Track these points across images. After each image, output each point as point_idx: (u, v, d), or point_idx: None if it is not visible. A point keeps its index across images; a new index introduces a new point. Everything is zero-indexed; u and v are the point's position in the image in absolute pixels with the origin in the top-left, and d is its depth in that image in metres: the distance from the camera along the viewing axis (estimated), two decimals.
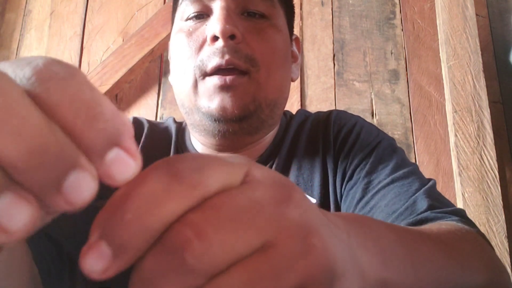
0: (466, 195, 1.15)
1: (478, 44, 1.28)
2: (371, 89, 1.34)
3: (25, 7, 1.48)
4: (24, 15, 1.47)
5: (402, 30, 1.40)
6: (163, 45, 1.36)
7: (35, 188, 0.16)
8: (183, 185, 0.18)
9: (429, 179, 0.56)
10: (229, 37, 0.53)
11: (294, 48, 0.67)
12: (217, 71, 0.54)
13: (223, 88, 0.53)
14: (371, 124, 0.65)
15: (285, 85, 0.61)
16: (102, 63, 1.34)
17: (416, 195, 0.51)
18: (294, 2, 0.68)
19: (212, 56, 0.54)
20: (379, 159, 0.57)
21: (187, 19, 0.58)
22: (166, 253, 0.17)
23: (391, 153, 0.59)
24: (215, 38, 0.54)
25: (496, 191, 1.15)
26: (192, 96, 0.56)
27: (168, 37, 1.34)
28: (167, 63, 1.38)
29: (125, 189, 0.18)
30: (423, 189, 0.52)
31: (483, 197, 1.15)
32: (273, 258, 0.18)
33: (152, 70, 1.38)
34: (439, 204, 0.51)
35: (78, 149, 0.17)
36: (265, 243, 0.18)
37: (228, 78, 0.53)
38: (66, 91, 0.17)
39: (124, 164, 0.17)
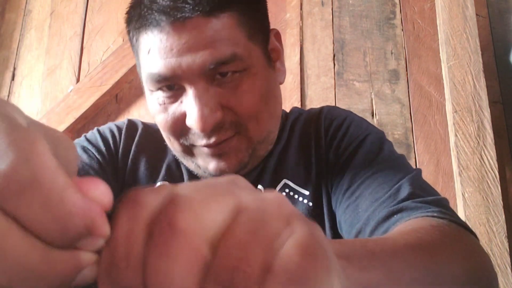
0: (466, 195, 1.15)
1: (478, 44, 1.28)
2: (371, 89, 1.34)
3: (25, 7, 1.48)
4: (24, 15, 1.47)
5: (402, 30, 1.40)
6: None
7: None
8: (144, 205, 0.19)
9: (415, 168, 0.56)
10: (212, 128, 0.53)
11: (276, 43, 0.63)
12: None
13: (215, 155, 0.55)
14: (361, 119, 0.66)
15: (276, 113, 0.61)
16: (102, 63, 1.34)
17: (400, 183, 0.52)
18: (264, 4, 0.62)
19: (198, 138, 0.54)
20: (366, 150, 0.59)
21: (157, 89, 0.54)
22: (160, 237, 0.18)
23: (379, 144, 0.60)
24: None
25: (496, 191, 1.15)
26: (188, 157, 0.58)
27: None
28: None
29: (111, 243, 0.19)
30: (407, 177, 0.53)
31: (483, 197, 1.15)
32: (253, 213, 0.19)
33: None
34: (422, 193, 0.51)
35: (75, 253, 0.18)
36: (236, 207, 0.19)
37: (218, 147, 0.54)
38: (36, 207, 0.17)
39: (92, 245, 0.19)
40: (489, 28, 1.39)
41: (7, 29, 1.46)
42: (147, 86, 0.56)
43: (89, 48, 1.41)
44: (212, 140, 0.53)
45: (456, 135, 1.21)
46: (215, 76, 0.53)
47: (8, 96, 1.39)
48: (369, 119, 1.26)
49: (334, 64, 1.37)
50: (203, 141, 0.54)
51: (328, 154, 0.61)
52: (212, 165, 0.55)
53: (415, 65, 1.36)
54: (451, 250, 0.41)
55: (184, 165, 0.63)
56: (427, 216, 0.46)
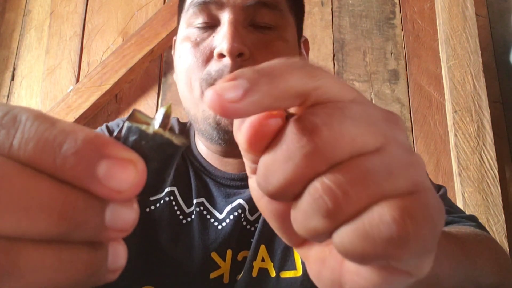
0: (466, 195, 1.15)
1: (478, 44, 1.28)
2: (371, 89, 1.34)
3: (25, 7, 1.48)
4: (24, 15, 1.47)
5: (402, 30, 1.40)
6: (163, 45, 1.35)
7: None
8: (311, 74, 0.21)
9: (439, 186, 0.57)
10: (237, 55, 0.53)
11: (303, 51, 0.66)
12: None
13: None
14: None
15: None
16: (102, 63, 1.34)
17: None
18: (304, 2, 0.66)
19: (221, 72, 0.53)
20: None
21: (194, 27, 0.57)
22: (297, 133, 0.20)
23: None
24: (222, 55, 0.53)
25: (496, 191, 1.15)
26: (200, 104, 0.56)
27: (168, 37, 1.34)
28: (167, 63, 1.38)
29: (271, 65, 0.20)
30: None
31: (483, 197, 1.15)
32: (387, 158, 0.20)
33: (152, 70, 1.38)
34: (453, 211, 0.52)
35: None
36: (379, 147, 0.20)
37: None
38: (29, 139, 0.17)
39: (120, 169, 0.17)
40: (489, 28, 1.39)
41: (7, 29, 1.46)
42: (186, 18, 0.58)
43: (89, 48, 1.41)
44: None
45: (456, 135, 1.21)
46: (252, 21, 0.55)
47: (8, 96, 1.39)
48: None
49: (334, 64, 1.37)
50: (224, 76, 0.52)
51: None
52: None
53: (415, 65, 1.36)
54: (494, 262, 0.43)
55: (191, 165, 0.62)
56: (465, 225, 0.47)
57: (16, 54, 1.43)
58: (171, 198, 0.57)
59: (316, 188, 0.19)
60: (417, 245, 0.19)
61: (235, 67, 0.52)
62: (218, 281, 0.53)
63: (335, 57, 1.38)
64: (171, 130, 0.20)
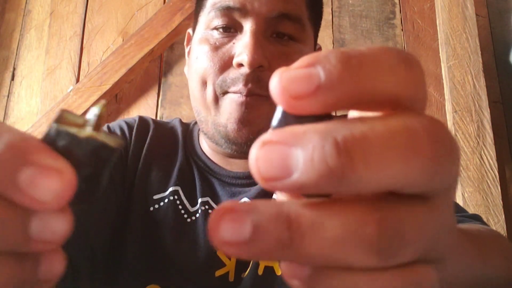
0: (466, 195, 1.15)
1: (478, 44, 1.28)
2: None
3: (25, 7, 1.48)
4: (23, 15, 1.47)
5: (402, 30, 1.40)
6: (163, 45, 1.35)
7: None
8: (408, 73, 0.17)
9: None
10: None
11: None
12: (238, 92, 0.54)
13: (242, 105, 0.53)
14: None
15: None
16: (102, 63, 1.34)
17: None
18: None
19: (236, 81, 0.54)
20: None
21: (214, 30, 0.57)
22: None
23: None
24: (241, 65, 0.53)
25: (496, 191, 1.15)
26: (212, 110, 0.56)
27: (168, 37, 1.34)
28: (167, 63, 1.38)
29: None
30: None
31: (483, 197, 1.15)
32: (433, 210, 0.17)
33: (152, 70, 1.38)
34: (457, 210, 0.52)
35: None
36: (427, 194, 0.17)
37: (249, 97, 0.53)
38: None
39: (43, 178, 0.16)
40: (489, 28, 1.39)
41: (7, 29, 1.46)
42: (207, 20, 0.58)
43: (89, 48, 1.41)
44: (249, 86, 0.53)
45: (456, 135, 1.21)
46: (273, 32, 0.56)
47: (8, 96, 1.39)
48: None
49: None
50: (240, 86, 0.53)
51: None
52: (234, 123, 0.54)
53: None
54: (503, 258, 0.43)
55: (196, 165, 0.62)
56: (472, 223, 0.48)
57: (16, 54, 1.43)
58: (175, 197, 0.57)
59: (382, 216, 0.15)
60: None
61: (251, 76, 0.53)
62: (223, 279, 0.53)
63: None
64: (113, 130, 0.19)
